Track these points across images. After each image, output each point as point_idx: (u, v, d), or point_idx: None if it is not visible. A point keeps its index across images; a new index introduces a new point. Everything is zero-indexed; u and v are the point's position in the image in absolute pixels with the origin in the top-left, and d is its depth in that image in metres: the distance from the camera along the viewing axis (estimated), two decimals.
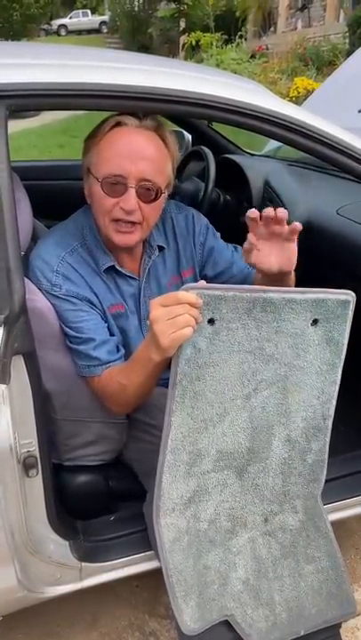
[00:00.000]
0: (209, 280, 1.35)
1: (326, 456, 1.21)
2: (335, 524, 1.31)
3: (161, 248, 1.31)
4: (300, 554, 1.22)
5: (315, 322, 1.08)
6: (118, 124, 1.13)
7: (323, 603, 1.21)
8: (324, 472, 1.23)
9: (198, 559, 1.11)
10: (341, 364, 1.14)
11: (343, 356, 1.13)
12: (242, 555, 1.16)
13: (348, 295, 1.09)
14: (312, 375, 1.12)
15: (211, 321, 0.99)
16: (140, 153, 1.12)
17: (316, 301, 1.06)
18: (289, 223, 1.10)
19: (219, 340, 1.01)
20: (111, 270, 1.24)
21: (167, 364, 1.05)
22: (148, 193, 1.13)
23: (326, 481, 1.24)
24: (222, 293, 0.99)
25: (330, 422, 1.18)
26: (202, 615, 1.09)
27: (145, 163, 1.12)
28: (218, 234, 1.41)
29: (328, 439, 1.20)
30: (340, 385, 1.16)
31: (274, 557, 1.19)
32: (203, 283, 1.01)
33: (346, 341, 1.12)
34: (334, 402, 1.17)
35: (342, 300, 1.08)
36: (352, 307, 1.10)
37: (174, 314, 0.94)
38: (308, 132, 1.18)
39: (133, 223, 1.16)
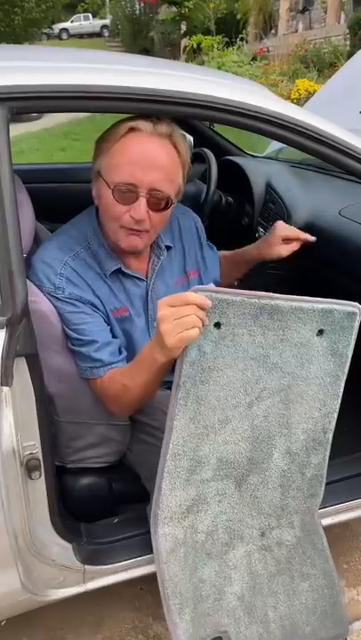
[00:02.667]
0: None
1: (325, 471, 1.20)
2: (339, 525, 1.31)
3: (168, 248, 1.31)
4: (296, 570, 1.21)
5: (320, 332, 1.07)
6: (132, 129, 1.12)
7: (317, 622, 1.20)
8: (323, 487, 1.22)
9: (194, 572, 1.10)
10: (345, 377, 1.13)
11: (347, 369, 1.12)
12: (238, 569, 1.15)
13: (355, 307, 1.08)
14: (315, 387, 1.11)
15: (217, 325, 0.99)
16: (153, 162, 1.11)
17: (323, 311, 1.05)
18: (290, 224, 1.11)
19: (224, 344, 1.00)
20: (117, 272, 1.24)
21: (171, 367, 1.05)
22: (158, 202, 1.13)
23: (330, 483, 1.24)
24: (230, 297, 0.98)
25: (330, 436, 1.17)
26: (196, 631, 1.08)
27: (157, 172, 1.11)
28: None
29: (328, 453, 1.19)
30: (344, 384, 1.16)
31: (269, 573, 1.18)
32: (212, 285, 1.01)
33: (350, 354, 1.11)
34: (336, 415, 1.15)
35: (349, 312, 1.07)
36: (358, 319, 1.09)
37: (181, 314, 0.94)
38: (310, 133, 1.18)
39: (141, 230, 1.16)
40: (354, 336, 1.09)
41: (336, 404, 1.14)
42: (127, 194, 1.12)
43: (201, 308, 0.95)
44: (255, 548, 1.17)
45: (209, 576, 1.11)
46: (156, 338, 0.99)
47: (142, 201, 1.12)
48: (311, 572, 1.21)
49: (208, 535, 1.12)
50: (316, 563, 1.22)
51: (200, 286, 0.98)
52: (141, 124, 1.11)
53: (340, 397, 1.14)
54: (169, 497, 1.06)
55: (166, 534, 1.07)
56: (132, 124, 1.12)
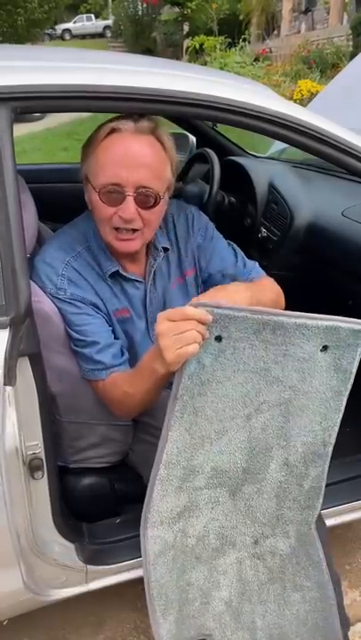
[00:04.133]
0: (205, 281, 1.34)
1: (324, 484, 1.18)
2: (342, 527, 1.30)
3: (165, 249, 1.30)
4: (288, 581, 1.19)
5: (324, 348, 1.04)
6: (114, 130, 1.11)
7: (307, 634, 1.19)
8: (321, 500, 1.20)
9: (182, 575, 1.09)
10: (347, 393, 1.11)
11: (350, 385, 1.10)
12: (227, 575, 1.14)
13: None
14: (316, 401, 1.09)
15: (218, 338, 0.97)
16: (137, 160, 1.10)
17: (328, 328, 1.03)
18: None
19: (224, 357, 0.99)
20: (116, 275, 1.24)
21: (173, 373, 1.04)
22: (146, 199, 1.12)
23: (333, 483, 1.23)
24: (232, 313, 0.96)
25: (330, 450, 1.15)
26: (179, 632, 1.08)
27: (142, 169, 1.10)
28: (220, 235, 1.38)
29: (327, 466, 1.17)
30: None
31: (260, 581, 1.17)
32: (213, 300, 0.99)
33: (355, 370, 1.09)
34: (336, 429, 1.14)
35: (355, 330, 1.04)
36: None
37: (181, 329, 0.92)
38: (313, 133, 1.18)
39: (134, 230, 1.15)
40: (359, 353, 1.07)
41: (337, 418, 1.13)
42: (113, 194, 1.11)
43: (201, 322, 0.93)
44: (247, 556, 1.16)
45: (197, 580, 1.11)
46: (156, 350, 0.98)
47: (130, 200, 1.11)
48: (305, 584, 1.20)
49: (199, 540, 1.11)
50: (311, 575, 1.20)
51: (201, 301, 0.96)
52: (122, 123, 1.11)
53: (342, 412, 1.12)
54: (160, 502, 1.05)
55: (155, 537, 1.06)
56: (112, 124, 1.11)
